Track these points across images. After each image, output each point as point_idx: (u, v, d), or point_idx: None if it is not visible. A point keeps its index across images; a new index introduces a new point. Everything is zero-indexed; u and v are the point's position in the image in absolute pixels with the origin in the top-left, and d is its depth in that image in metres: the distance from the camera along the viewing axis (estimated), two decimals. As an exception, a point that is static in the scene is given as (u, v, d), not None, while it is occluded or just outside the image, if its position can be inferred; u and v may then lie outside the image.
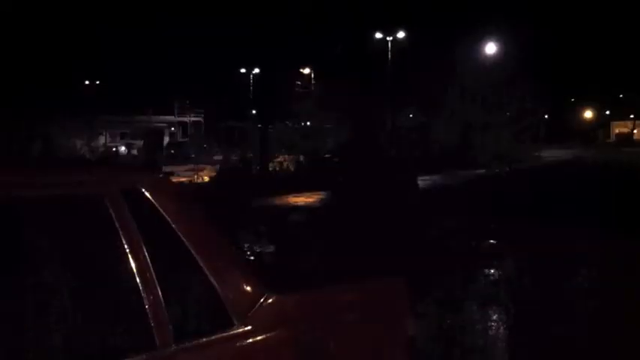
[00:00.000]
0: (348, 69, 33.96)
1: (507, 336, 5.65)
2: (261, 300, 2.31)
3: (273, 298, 2.34)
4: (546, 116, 30.90)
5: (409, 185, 10.39)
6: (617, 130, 71.48)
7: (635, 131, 69.18)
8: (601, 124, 73.45)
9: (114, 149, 45.63)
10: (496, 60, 25.72)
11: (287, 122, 34.67)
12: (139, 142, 44.53)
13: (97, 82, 53.50)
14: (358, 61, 36.38)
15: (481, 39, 28.16)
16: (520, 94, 23.19)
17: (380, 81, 33.60)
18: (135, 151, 43.46)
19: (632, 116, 69.92)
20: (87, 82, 53.42)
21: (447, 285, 6.85)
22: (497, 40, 27.76)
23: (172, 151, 40.60)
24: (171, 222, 2.19)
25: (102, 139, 46.19)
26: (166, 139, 48.64)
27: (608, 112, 73.43)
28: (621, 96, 68.59)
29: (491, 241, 9.77)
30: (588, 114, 74.78)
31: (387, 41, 35.02)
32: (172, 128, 54.86)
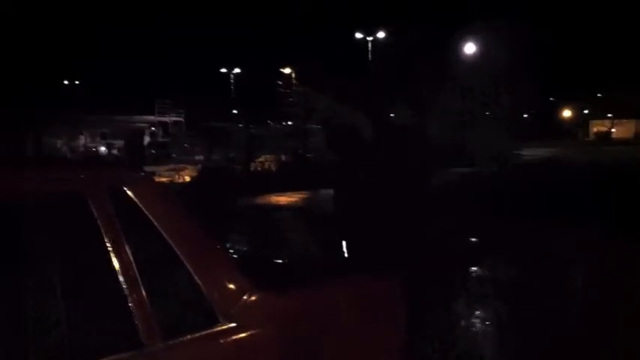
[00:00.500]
0: (343, 68, 33.92)
1: (506, 336, 5.64)
2: (245, 297, 2.32)
3: (258, 295, 2.35)
4: (526, 115, 31.17)
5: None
6: (595, 129, 72.21)
7: (613, 130, 69.97)
8: (580, 123, 74.17)
9: (94, 149, 45.27)
10: (483, 61, 25.89)
11: (269, 122, 34.66)
12: (120, 142, 44.21)
13: (77, 82, 53.08)
14: (353, 59, 36.41)
15: (467, 40, 28.30)
16: (508, 94, 23.39)
17: (375, 80, 33.65)
18: (115, 151, 43.15)
19: (610, 115, 70.72)
20: (66, 82, 52.97)
21: (443, 284, 6.84)
22: (482, 42, 27.91)
23: (153, 151, 40.34)
24: (154, 220, 2.19)
25: (82, 139, 45.80)
26: (147, 139, 48.30)
27: (586, 111, 74.18)
28: (600, 95, 69.39)
29: (473, 239, 9.79)
30: (567, 113, 75.50)
31: (379, 40, 35.26)
32: (153, 128, 54.44)
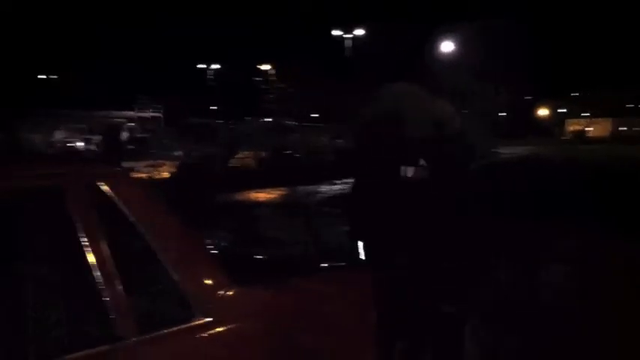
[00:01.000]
0: (322, 65, 33.89)
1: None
2: (222, 292, 2.33)
3: (236, 290, 2.36)
4: (502, 114, 31.42)
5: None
6: (571, 128, 72.95)
7: (589, 129, 70.74)
8: (556, 121, 74.89)
9: (71, 144, 44.77)
10: (461, 59, 26.03)
11: (248, 118, 34.57)
12: (98, 138, 43.76)
13: (55, 77, 52.57)
14: (332, 57, 36.43)
15: (444, 39, 28.44)
16: (486, 92, 23.57)
17: (354, 77, 33.73)
18: (93, 147, 42.71)
19: (586, 114, 71.54)
20: (44, 77, 52.44)
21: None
22: (459, 41, 28.07)
23: (132, 147, 39.97)
24: (131, 215, 2.21)
25: (59, 134, 45.30)
26: (125, 135, 47.89)
27: (563, 110, 74.97)
28: (576, 94, 70.16)
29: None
30: (544, 111, 76.24)
31: (358, 38, 35.38)
32: (132, 123, 54.01)
